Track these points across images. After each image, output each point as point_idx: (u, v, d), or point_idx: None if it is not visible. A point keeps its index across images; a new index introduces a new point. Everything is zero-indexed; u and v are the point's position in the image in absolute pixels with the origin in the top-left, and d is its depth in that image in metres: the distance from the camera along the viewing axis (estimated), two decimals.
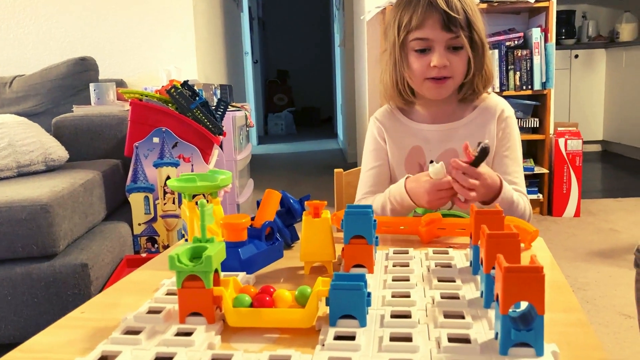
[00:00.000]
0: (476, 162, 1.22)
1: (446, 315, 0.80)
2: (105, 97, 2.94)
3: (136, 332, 0.79)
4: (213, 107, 2.69)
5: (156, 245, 2.53)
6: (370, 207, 1.02)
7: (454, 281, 0.93)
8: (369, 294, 0.80)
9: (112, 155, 2.73)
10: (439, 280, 0.94)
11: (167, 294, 0.93)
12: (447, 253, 1.08)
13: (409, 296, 0.88)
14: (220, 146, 3.00)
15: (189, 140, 2.48)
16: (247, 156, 3.54)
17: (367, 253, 1.00)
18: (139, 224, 2.52)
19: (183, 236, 1.19)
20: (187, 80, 2.64)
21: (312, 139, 8.79)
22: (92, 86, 2.96)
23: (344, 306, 0.78)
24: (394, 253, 1.09)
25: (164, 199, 2.51)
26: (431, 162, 1.27)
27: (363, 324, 0.78)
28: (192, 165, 2.50)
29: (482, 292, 0.85)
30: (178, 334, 0.79)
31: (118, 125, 2.73)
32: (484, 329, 0.76)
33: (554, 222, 3.67)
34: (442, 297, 0.86)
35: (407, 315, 0.81)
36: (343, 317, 0.79)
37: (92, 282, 2.04)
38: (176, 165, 2.49)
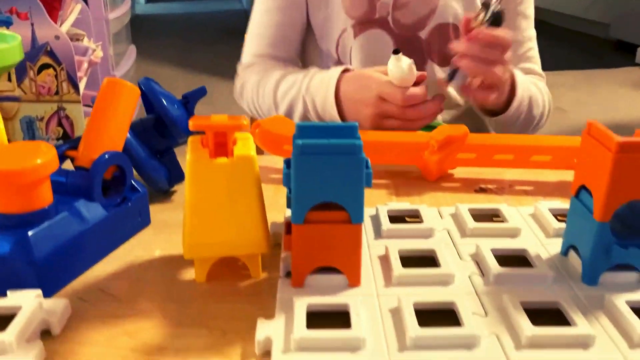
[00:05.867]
0: None
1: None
2: None
3: None
4: None
5: None
6: (355, 128, 0.42)
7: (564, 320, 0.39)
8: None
9: None
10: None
11: None
12: (501, 217, 0.52)
13: None
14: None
15: None
16: (124, 15, 2.72)
17: (346, 243, 0.42)
18: None
19: None
20: None
21: None
22: None
23: None
24: (391, 222, 0.51)
25: None
26: (395, 51, 0.68)
27: None
28: (33, 24, 1.72)
29: None
30: None
31: None
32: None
33: None
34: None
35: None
36: None
37: None
38: (7, 24, 1.69)
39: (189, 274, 0.47)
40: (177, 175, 0.60)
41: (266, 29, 0.92)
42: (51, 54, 1.75)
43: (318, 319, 0.39)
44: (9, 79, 1.75)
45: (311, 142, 0.39)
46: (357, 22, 0.87)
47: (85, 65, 1.98)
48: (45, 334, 0.39)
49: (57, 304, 0.40)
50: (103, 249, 0.49)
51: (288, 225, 0.45)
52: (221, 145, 0.43)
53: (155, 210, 0.56)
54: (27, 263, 0.42)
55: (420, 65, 0.87)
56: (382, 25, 0.87)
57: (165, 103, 0.56)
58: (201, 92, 0.59)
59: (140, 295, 0.44)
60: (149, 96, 0.56)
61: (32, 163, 0.42)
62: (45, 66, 1.74)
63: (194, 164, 0.42)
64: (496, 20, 0.69)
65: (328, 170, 0.39)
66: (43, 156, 0.42)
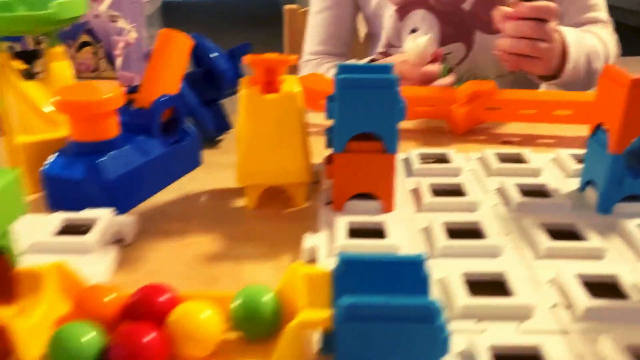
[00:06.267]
0: None
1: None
2: None
3: None
4: None
5: None
6: (389, 68, 0.47)
7: (579, 235, 0.43)
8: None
9: None
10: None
11: None
12: (524, 161, 0.57)
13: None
14: None
15: None
16: None
17: (381, 171, 0.47)
18: None
19: None
20: None
21: None
22: None
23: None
24: (421, 162, 0.56)
25: None
26: (412, 31, 0.71)
27: None
28: None
29: None
30: None
31: None
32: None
33: None
34: None
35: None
36: None
37: None
38: None
39: (240, 202, 0.52)
40: (223, 124, 0.65)
41: (318, 28, 1.01)
42: (90, 32, 1.82)
43: (356, 236, 0.44)
44: None
45: (352, 76, 0.44)
46: (399, 7, 0.91)
47: (122, 44, 2.05)
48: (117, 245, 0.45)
49: (128, 219, 0.46)
50: (161, 181, 0.54)
51: (329, 158, 0.50)
52: (270, 84, 0.48)
53: (205, 155, 0.61)
54: (98, 185, 0.48)
55: (468, 37, 0.90)
56: (424, 5, 0.91)
57: (214, 55, 0.62)
58: (246, 47, 0.64)
59: (197, 217, 0.50)
60: (200, 48, 0.62)
61: (103, 96, 0.47)
62: (85, 44, 1.81)
63: (246, 99, 0.47)
64: None
65: (367, 103, 0.44)
66: (112, 92, 0.48)
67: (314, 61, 1.00)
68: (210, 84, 0.63)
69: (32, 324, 0.28)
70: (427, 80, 0.73)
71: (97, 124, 0.48)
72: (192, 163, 0.59)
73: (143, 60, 2.53)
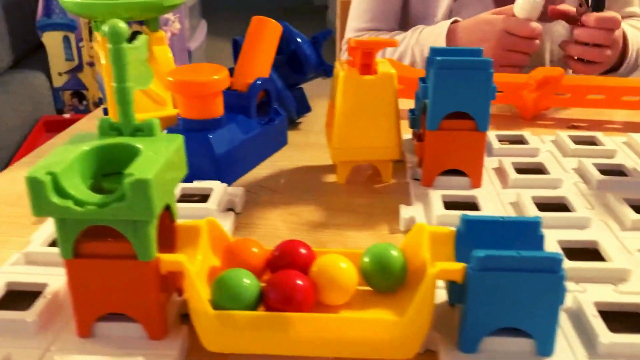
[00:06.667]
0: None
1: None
2: None
3: None
4: None
5: (85, 102, 1.95)
6: (481, 51, 0.50)
7: None
8: None
9: None
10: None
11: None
12: (597, 143, 0.59)
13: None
14: None
15: None
16: None
17: (472, 148, 0.50)
18: (59, 74, 1.90)
19: (101, 103, 0.63)
20: None
21: None
22: None
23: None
24: (500, 141, 0.59)
25: (91, 40, 1.87)
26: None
27: None
28: None
29: None
30: None
31: None
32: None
33: None
34: None
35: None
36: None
37: None
38: None
39: (330, 177, 0.56)
40: (304, 108, 0.69)
41: (366, 4, 0.99)
42: (140, 22, 1.88)
43: (449, 209, 0.47)
44: None
45: (449, 58, 0.47)
46: None
47: (169, 34, 2.11)
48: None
49: (237, 189, 0.50)
50: (257, 157, 0.59)
51: (418, 136, 0.54)
52: (367, 66, 0.51)
53: (289, 135, 0.65)
54: (209, 159, 0.52)
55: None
56: None
57: (300, 41, 0.65)
58: (328, 33, 0.67)
59: (294, 190, 0.54)
60: (284, 34, 0.65)
61: (213, 77, 0.51)
62: (137, 32, 1.87)
63: (346, 80, 0.50)
64: (598, 3, 0.76)
65: (461, 83, 0.47)
66: (220, 73, 0.52)
67: (366, 36, 1.01)
68: (293, 69, 0.67)
69: (196, 269, 0.33)
70: (533, 36, 0.77)
71: (207, 103, 0.52)
72: (281, 142, 0.63)
73: (185, 51, 2.59)
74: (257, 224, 0.48)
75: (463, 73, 0.47)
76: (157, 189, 0.29)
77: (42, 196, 0.29)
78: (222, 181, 0.52)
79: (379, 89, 0.51)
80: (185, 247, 0.35)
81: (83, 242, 0.31)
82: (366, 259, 0.35)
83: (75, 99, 1.94)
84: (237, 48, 0.66)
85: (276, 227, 0.48)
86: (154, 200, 0.29)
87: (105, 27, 0.31)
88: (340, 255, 0.34)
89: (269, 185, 0.55)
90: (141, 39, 0.34)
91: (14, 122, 1.64)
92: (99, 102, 1.95)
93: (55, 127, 1.80)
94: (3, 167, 1.55)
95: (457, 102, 0.48)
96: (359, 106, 0.51)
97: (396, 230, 0.47)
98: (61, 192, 0.29)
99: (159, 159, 0.30)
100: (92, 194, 0.30)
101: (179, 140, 0.33)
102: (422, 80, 0.51)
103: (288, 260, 0.34)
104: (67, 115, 1.83)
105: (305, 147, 0.63)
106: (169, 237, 0.34)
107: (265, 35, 0.60)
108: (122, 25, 0.32)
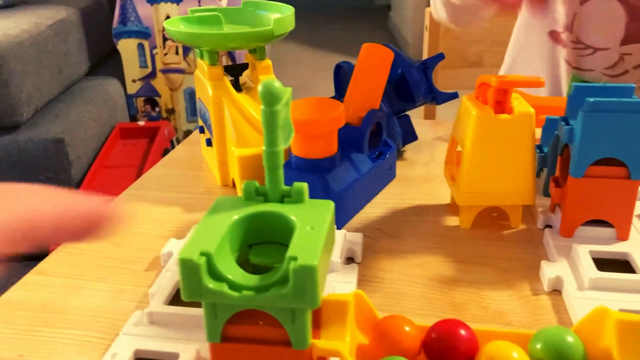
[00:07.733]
0: None
1: None
2: None
3: None
4: None
5: (157, 109, 1.97)
6: (632, 89, 0.45)
7: None
8: None
9: None
10: None
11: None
12: None
13: None
14: None
15: None
16: None
17: (622, 197, 0.45)
18: (134, 81, 1.93)
19: (203, 130, 0.61)
20: None
21: None
22: None
23: None
24: None
25: (165, 47, 1.89)
26: None
27: None
28: (200, 2, 1.85)
29: None
30: None
31: None
32: None
33: None
34: None
35: None
36: None
37: (71, 162, 1.51)
38: (177, 0, 1.84)
39: (450, 220, 0.52)
40: (410, 136, 0.65)
41: None
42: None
43: (598, 265, 0.42)
44: (177, 52, 1.91)
45: (601, 100, 0.42)
46: None
47: None
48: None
49: (356, 236, 0.47)
50: (368, 195, 0.55)
51: (556, 180, 0.49)
52: (500, 103, 0.47)
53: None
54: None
55: None
56: None
57: (407, 67, 0.61)
58: (439, 58, 0.63)
59: (412, 235, 0.50)
60: (395, 60, 0.61)
61: (331, 115, 0.48)
62: (245, 65, 1.87)
63: (479, 118, 0.46)
64: None
65: (615, 127, 0.42)
66: (336, 110, 0.49)
67: None
68: (400, 96, 0.63)
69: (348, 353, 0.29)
70: None
71: (324, 142, 0.49)
72: (390, 176, 0.59)
73: None
74: (381, 277, 0.44)
75: (617, 117, 0.42)
76: (321, 273, 0.26)
77: (196, 280, 0.26)
78: (337, 225, 0.48)
79: (516, 130, 0.46)
80: (331, 324, 0.31)
81: (231, 323, 0.28)
82: (538, 346, 0.30)
83: (148, 105, 1.96)
84: (340, 73, 0.63)
85: (403, 282, 0.44)
86: (318, 287, 0.26)
87: (259, 87, 0.28)
88: (510, 343, 0.30)
89: (384, 228, 0.51)
90: (286, 94, 0.31)
91: (92, 130, 1.66)
92: (187, 100, 1.97)
93: (130, 134, 1.82)
94: (83, 174, 1.58)
95: (608, 147, 0.43)
96: (492, 148, 0.47)
97: (539, 291, 0.42)
98: (215, 275, 0.26)
99: (318, 237, 0.27)
100: (246, 274, 0.27)
101: (330, 208, 0.30)
102: (564, 120, 0.46)
103: (449, 345, 0.31)
104: (141, 123, 1.85)
105: (415, 181, 0.59)
106: (314, 313, 0.31)
107: (376, 63, 0.56)
108: (277, 85, 0.28)
